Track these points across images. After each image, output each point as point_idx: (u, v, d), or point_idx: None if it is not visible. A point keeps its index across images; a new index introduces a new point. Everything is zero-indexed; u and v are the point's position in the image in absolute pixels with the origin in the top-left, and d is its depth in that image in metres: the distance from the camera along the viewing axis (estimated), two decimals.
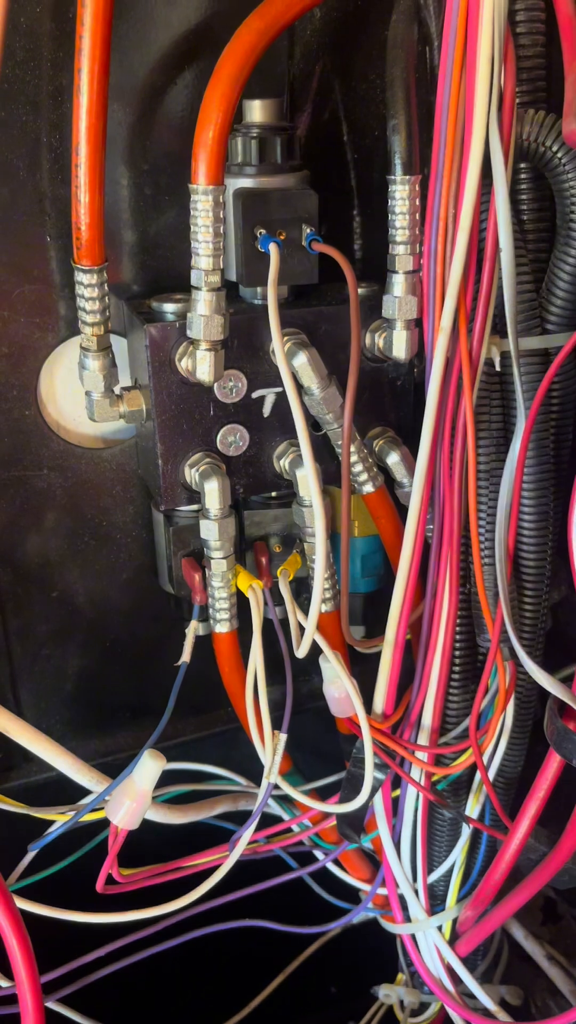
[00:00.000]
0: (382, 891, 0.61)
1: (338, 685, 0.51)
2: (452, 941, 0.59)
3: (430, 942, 0.59)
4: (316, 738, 0.63)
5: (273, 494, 0.55)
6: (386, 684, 0.52)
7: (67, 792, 0.56)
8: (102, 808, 0.50)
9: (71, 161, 0.43)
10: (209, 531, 0.50)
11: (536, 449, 0.49)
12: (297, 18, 0.43)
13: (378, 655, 0.52)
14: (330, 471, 0.52)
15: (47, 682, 0.59)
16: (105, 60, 0.41)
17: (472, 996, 0.60)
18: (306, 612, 0.53)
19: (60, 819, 0.52)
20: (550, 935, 0.69)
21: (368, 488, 0.52)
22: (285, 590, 0.53)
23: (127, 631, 0.60)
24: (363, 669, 0.53)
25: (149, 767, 0.48)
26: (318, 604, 0.48)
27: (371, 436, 0.53)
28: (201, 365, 0.46)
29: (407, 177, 0.45)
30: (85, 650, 0.60)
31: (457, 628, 0.52)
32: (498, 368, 0.48)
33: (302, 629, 0.51)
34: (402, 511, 0.51)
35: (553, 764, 0.48)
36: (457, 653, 0.53)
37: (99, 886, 0.51)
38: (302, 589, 0.56)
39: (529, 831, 0.50)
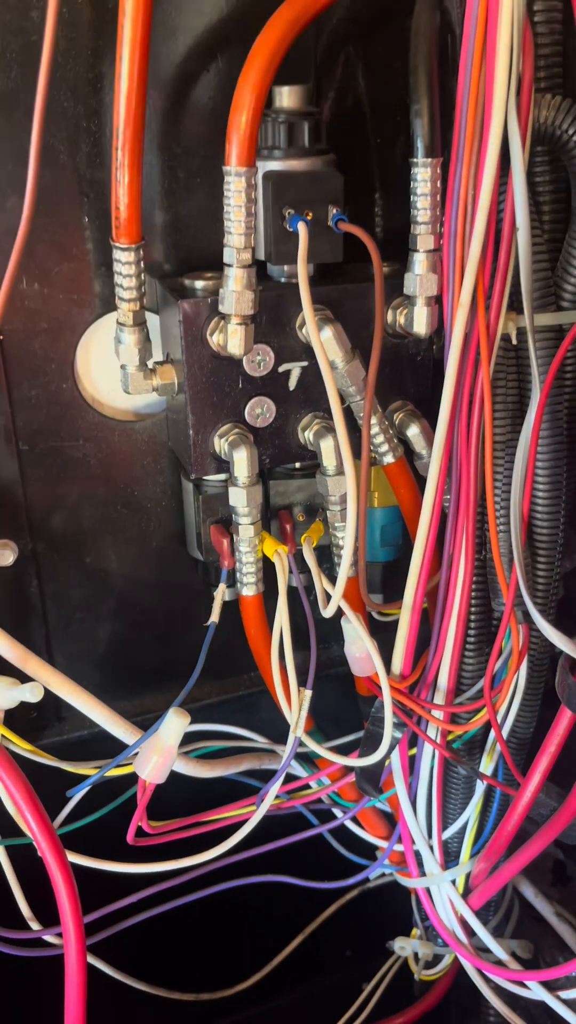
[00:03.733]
0: (398, 848, 0.64)
1: (359, 645, 0.54)
2: (465, 895, 0.62)
3: (444, 896, 0.62)
4: (335, 705, 0.65)
5: (297, 465, 0.57)
6: (404, 646, 0.54)
7: (96, 751, 0.59)
8: (130, 763, 0.53)
9: (111, 145, 0.46)
10: (238, 498, 0.52)
11: (550, 421, 0.51)
12: (325, 8, 0.46)
13: (396, 624, 0.54)
14: (352, 442, 0.54)
15: (80, 645, 0.62)
16: (145, 48, 0.43)
17: (484, 950, 0.63)
18: (328, 578, 0.56)
19: (90, 773, 0.54)
20: (559, 895, 0.72)
21: (388, 459, 0.54)
22: (309, 556, 0.56)
23: (156, 597, 0.63)
24: (382, 639, 0.56)
25: (174, 724, 0.50)
26: (348, 563, 0.50)
27: (392, 409, 0.56)
28: (232, 339, 0.48)
29: (429, 160, 0.48)
30: (116, 615, 0.63)
31: (473, 593, 0.54)
32: (515, 342, 0.50)
33: (326, 593, 0.54)
34: (421, 482, 0.54)
35: (564, 720, 0.50)
36: (472, 617, 0.55)
37: (130, 837, 0.54)
38: (322, 558, 0.59)
39: (540, 785, 0.52)
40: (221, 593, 0.56)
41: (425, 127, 0.47)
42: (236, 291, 0.47)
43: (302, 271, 0.46)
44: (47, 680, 0.49)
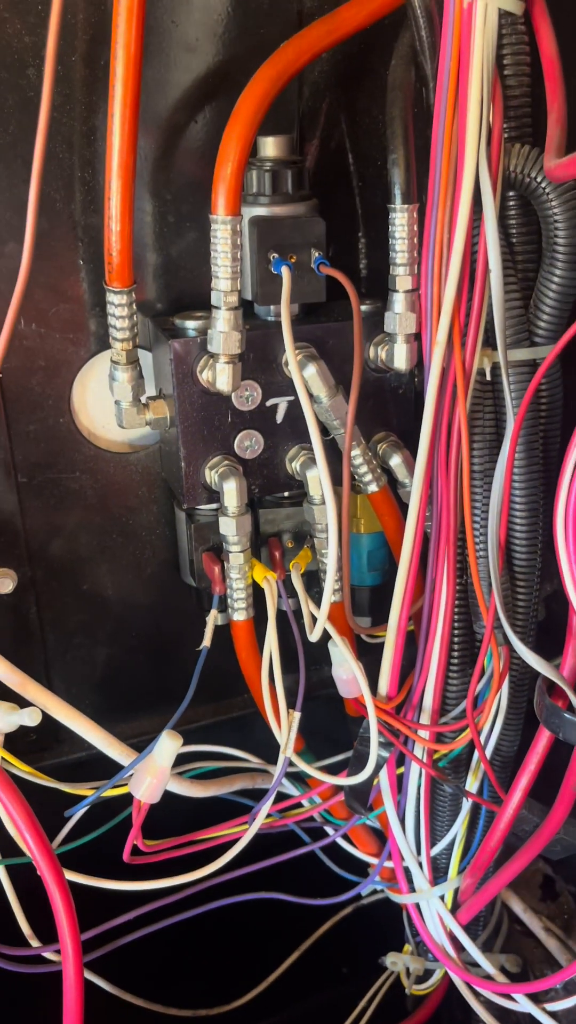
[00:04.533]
0: (389, 864, 0.65)
1: (346, 668, 0.56)
2: (454, 911, 0.64)
3: (433, 911, 0.64)
4: (327, 725, 0.67)
5: (286, 494, 0.59)
6: (390, 668, 0.56)
7: (95, 772, 0.60)
8: (125, 784, 0.54)
9: (103, 194, 0.48)
10: (228, 527, 0.55)
11: (525, 450, 0.53)
12: (306, 65, 0.48)
13: (383, 646, 0.56)
14: (337, 472, 0.57)
15: (78, 670, 0.64)
16: (135, 105, 0.46)
17: (474, 964, 0.64)
18: (317, 603, 0.58)
19: (87, 793, 0.56)
20: (548, 910, 0.73)
21: (372, 488, 0.57)
22: (297, 582, 0.58)
23: (151, 622, 0.65)
24: (369, 660, 0.58)
25: (167, 746, 0.52)
26: (331, 589, 0.52)
27: (375, 440, 0.58)
28: (221, 376, 0.51)
29: (406, 206, 0.50)
30: (112, 640, 0.65)
31: (455, 616, 0.56)
32: (489, 378, 0.52)
33: (314, 618, 0.56)
34: (405, 509, 0.56)
35: (543, 738, 0.52)
36: (455, 639, 0.57)
37: (125, 856, 0.56)
38: (312, 583, 0.61)
39: (522, 801, 0.54)
40: (213, 618, 0.58)
41: (402, 175, 0.50)
42: (224, 332, 0.49)
43: (285, 313, 0.48)
44: (45, 704, 0.51)
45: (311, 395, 0.53)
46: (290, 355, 0.48)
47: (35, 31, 0.49)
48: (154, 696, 0.67)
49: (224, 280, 0.49)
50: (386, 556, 0.63)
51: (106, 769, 0.57)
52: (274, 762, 0.66)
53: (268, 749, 0.65)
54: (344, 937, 0.76)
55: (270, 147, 0.52)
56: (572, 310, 0.52)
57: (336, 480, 0.56)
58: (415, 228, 0.51)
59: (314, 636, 0.55)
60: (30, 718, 0.49)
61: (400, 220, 0.50)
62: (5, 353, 0.50)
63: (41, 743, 0.64)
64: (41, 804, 0.55)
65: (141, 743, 0.59)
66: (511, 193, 0.52)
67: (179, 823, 0.61)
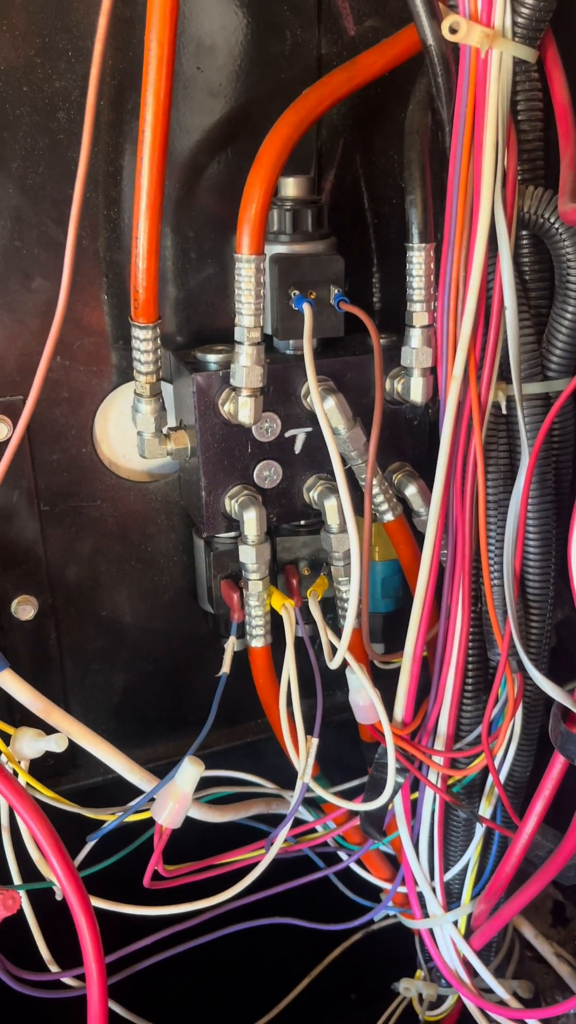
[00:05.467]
0: (402, 889, 0.66)
1: (363, 695, 0.57)
2: (467, 936, 0.64)
3: (447, 936, 0.64)
4: (338, 750, 0.68)
5: (302, 522, 0.61)
6: (405, 694, 0.57)
7: (109, 796, 0.61)
8: (147, 809, 0.55)
9: (128, 232, 0.50)
10: (247, 555, 0.56)
11: (539, 482, 0.54)
12: (328, 110, 0.50)
13: (397, 671, 0.57)
14: (354, 501, 0.58)
15: (95, 695, 0.65)
16: (163, 148, 0.48)
17: (487, 990, 0.65)
18: (332, 629, 0.59)
19: (108, 818, 0.57)
20: (559, 936, 0.74)
21: (388, 517, 0.58)
22: (315, 609, 0.59)
23: (166, 648, 0.66)
24: (384, 685, 0.59)
25: (190, 772, 0.53)
26: (353, 617, 0.53)
27: (391, 470, 0.59)
28: (243, 410, 0.52)
29: (423, 245, 0.52)
30: (129, 666, 0.65)
31: (469, 643, 0.57)
32: (504, 411, 0.54)
33: (331, 645, 0.57)
34: (419, 538, 0.57)
35: (558, 765, 0.53)
36: (470, 666, 0.58)
37: (146, 881, 0.56)
38: (326, 609, 0.62)
39: (536, 827, 0.55)
40: (231, 645, 0.59)
41: (419, 215, 0.51)
42: (247, 366, 0.51)
43: (307, 349, 0.49)
44: (69, 731, 0.52)
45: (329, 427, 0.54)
46: (313, 389, 0.49)
47: (65, 76, 0.51)
48: (168, 721, 0.68)
49: (248, 316, 0.50)
50: (400, 583, 0.64)
51: (121, 793, 0.58)
52: (286, 787, 0.66)
53: (280, 774, 0.66)
54: (354, 963, 0.76)
55: (291, 187, 0.54)
56: None
57: (355, 509, 0.58)
58: (431, 266, 0.52)
59: (334, 664, 0.56)
60: (57, 744, 0.49)
61: (417, 258, 0.52)
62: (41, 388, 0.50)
63: (58, 767, 0.65)
64: (58, 828, 0.55)
65: (157, 768, 0.60)
66: (524, 232, 0.53)
67: (191, 847, 0.61)
